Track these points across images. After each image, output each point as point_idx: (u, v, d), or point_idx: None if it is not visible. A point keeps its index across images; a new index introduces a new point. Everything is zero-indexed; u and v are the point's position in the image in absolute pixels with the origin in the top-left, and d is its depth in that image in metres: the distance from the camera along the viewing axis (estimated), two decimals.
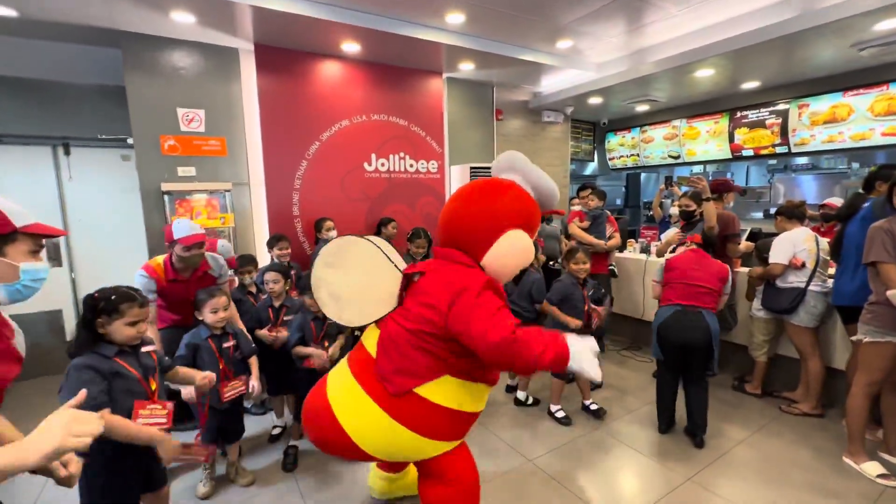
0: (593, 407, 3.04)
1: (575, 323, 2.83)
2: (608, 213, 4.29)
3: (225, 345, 2.26)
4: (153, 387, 1.63)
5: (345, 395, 1.63)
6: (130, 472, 1.60)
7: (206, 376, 1.87)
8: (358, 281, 1.71)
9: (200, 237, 2.35)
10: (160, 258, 2.44)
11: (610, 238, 4.12)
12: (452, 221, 1.69)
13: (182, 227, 2.32)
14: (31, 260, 1.06)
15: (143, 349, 1.66)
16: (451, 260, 1.65)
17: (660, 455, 2.59)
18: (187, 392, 2.07)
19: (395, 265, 1.78)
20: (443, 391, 1.57)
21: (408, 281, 1.69)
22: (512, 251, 1.63)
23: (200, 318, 2.24)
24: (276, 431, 2.87)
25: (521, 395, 3.26)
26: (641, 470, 2.48)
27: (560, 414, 2.98)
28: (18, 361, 1.12)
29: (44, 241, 1.14)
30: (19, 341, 1.14)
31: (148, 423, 1.54)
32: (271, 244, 3.42)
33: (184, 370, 1.88)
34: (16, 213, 1.06)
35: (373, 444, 1.60)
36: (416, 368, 1.55)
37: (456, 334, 1.47)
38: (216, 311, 2.20)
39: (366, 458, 1.65)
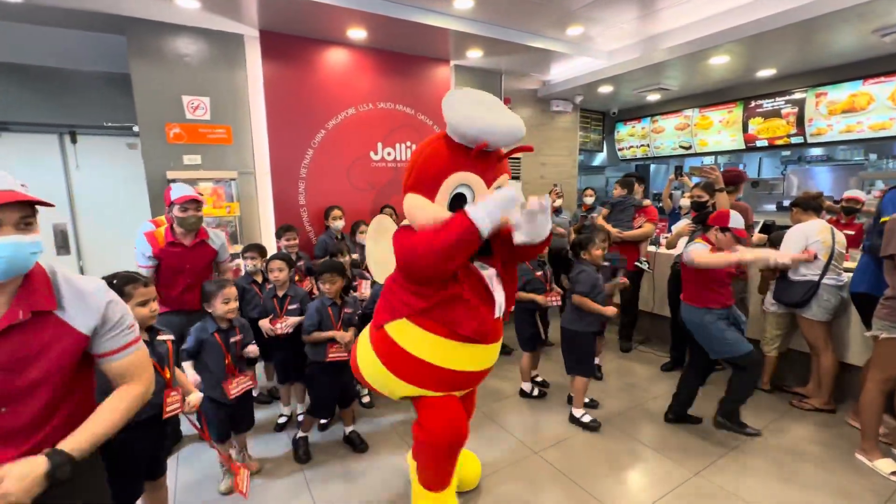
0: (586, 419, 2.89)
1: (611, 311, 2.74)
2: (643, 202, 4.02)
3: (232, 339, 2.21)
4: (167, 375, 1.63)
5: (362, 337, 2.00)
6: (137, 457, 1.62)
7: (193, 404, 1.73)
8: (385, 248, 2.05)
9: (194, 196, 2.45)
10: (162, 228, 2.52)
11: (639, 228, 3.85)
12: None
13: (178, 189, 2.48)
14: None
15: (159, 337, 1.67)
16: None
17: (668, 449, 2.56)
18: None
19: None
20: (401, 333, 1.74)
21: None
22: (408, 214, 1.69)
23: (209, 311, 2.17)
24: (283, 420, 2.87)
25: (525, 386, 3.24)
26: (649, 464, 2.45)
27: (587, 419, 2.82)
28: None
29: (20, 213, 0.99)
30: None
31: (174, 409, 1.62)
32: (279, 235, 3.41)
33: (182, 378, 1.83)
34: None
35: (365, 370, 1.90)
36: (385, 307, 1.81)
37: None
38: (228, 302, 2.14)
39: (368, 385, 1.94)
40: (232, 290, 2.17)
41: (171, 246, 2.47)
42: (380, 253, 2.12)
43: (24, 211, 0.99)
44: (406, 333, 1.74)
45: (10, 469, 0.90)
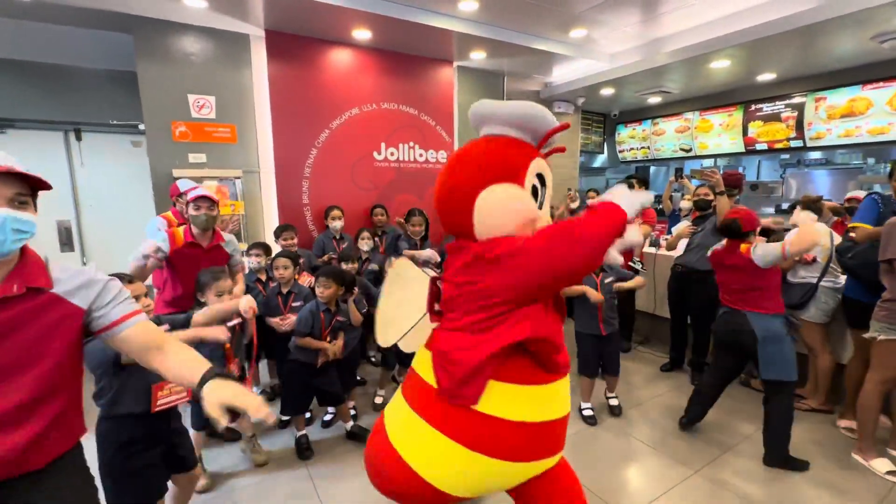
0: (613, 402, 3.01)
1: (593, 294, 2.65)
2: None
3: (229, 324, 2.19)
4: None
5: (409, 433, 1.35)
6: (148, 452, 1.62)
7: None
8: (398, 301, 1.76)
9: (205, 194, 2.45)
10: (181, 228, 2.51)
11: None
12: (437, 212, 1.49)
13: (186, 185, 2.63)
14: None
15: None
16: (458, 248, 1.41)
17: (667, 447, 2.59)
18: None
19: (426, 273, 1.69)
20: (496, 400, 1.28)
21: (436, 287, 1.46)
22: (492, 212, 1.30)
23: (202, 300, 2.17)
24: (286, 417, 2.89)
25: None
26: (649, 462, 2.49)
27: (587, 412, 2.90)
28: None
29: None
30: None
31: (168, 402, 1.59)
32: (277, 234, 3.43)
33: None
34: None
35: (458, 484, 1.31)
36: (459, 382, 1.28)
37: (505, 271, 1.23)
38: (221, 295, 2.13)
39: (442, 498, 1.33)
40: (226, 284, 2.17)
41: (188, 247, 2.45)
42: (393, 306, 1.76)
43: (19, 188, 0.98)
44: (499, 398, 1.28)
45: None
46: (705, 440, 2.66)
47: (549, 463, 1.40)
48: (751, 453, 2.52)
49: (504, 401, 1.28)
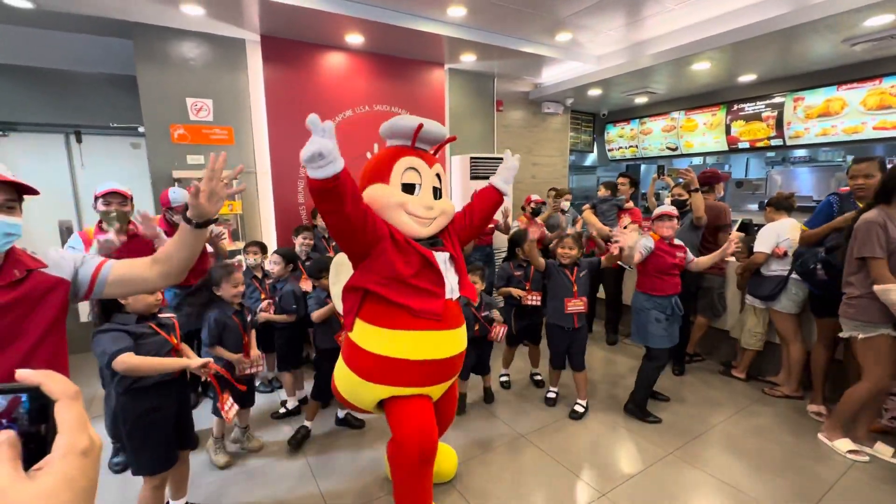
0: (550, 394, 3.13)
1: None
2: (626, 205, 4.20)
3: (248, 319, 2.42)
4: (174, 341, 1.83)
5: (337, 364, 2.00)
6: (164, 424, 1.79)
7: (204, 364, 1.85)
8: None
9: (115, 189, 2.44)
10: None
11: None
12: None
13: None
14: None
15: (161, 315, 1.85)
16: None
17: (646, 432, 2.74)
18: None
19: None
20: (360, 334, 1.82)
21: None
22: (372, 205, 1.79)
23: (218, 293, 2.31)
24: (283, 411, 2.95)
25: (502, 373, 3.45)
26: (628, 444, 2.63)
27: (580, 408, 2.98)
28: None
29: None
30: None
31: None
32: (297, 232, 3.51)
33: (187, 350, 1.94)
34: None
35: (340, 385, 1.95)
36: (344, 313, 1.90)
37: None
38: (237, 286, 2.29)
39: (345, 402, 1.97)
40: (239, 276, 2.35)
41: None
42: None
43: (7, 194, 1.06)
44: (366, 334, 1.79)
45: None
46: (682, 425, 2.81)
47: (408, 390, 1.81)
48: (726, 435, 2.68)
49: (362, 335, 1.80)
